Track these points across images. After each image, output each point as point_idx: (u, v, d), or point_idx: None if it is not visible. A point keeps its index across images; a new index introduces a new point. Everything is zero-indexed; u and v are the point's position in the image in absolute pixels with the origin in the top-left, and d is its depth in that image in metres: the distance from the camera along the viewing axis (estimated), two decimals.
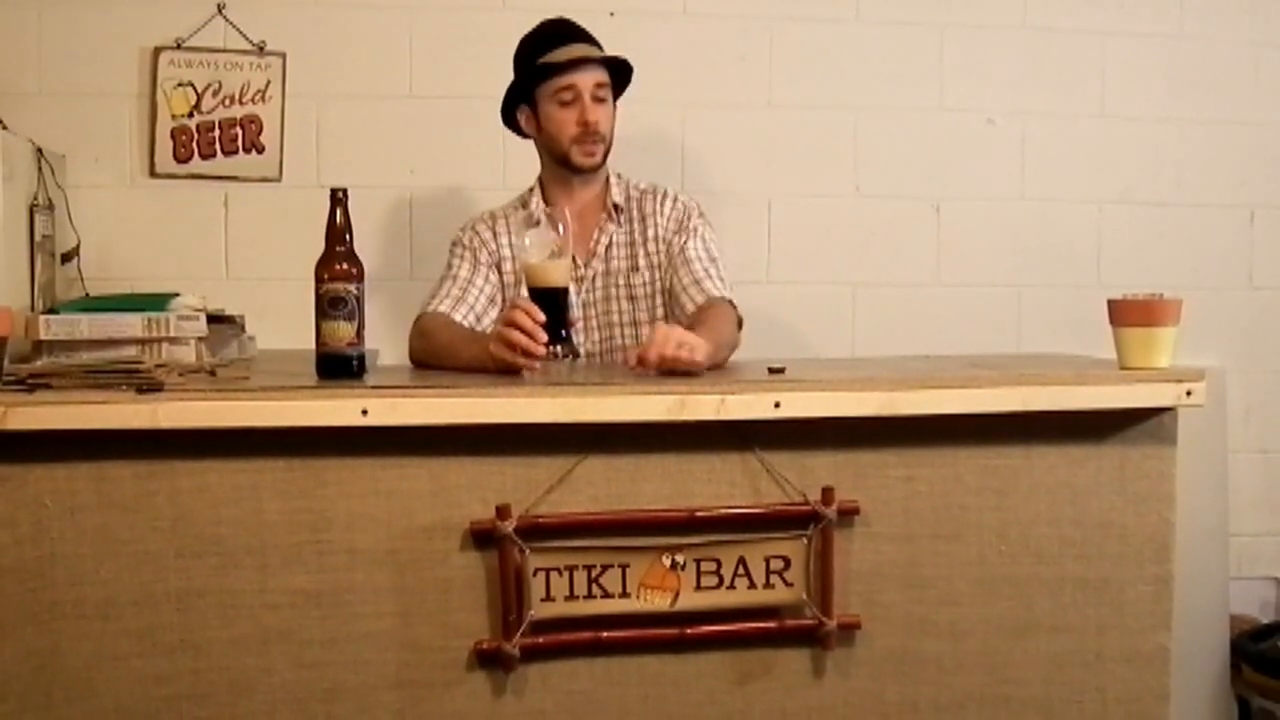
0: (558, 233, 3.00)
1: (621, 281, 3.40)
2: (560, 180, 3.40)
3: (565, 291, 3.05)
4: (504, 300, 3.37)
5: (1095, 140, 4.45)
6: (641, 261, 3.41)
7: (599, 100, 3.31)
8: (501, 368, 2.81)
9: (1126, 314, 2.87)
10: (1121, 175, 4.47)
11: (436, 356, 3.09)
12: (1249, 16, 4.50)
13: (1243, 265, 4.56)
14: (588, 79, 3.29)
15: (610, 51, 3.37)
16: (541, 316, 2.80)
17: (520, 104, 3.39)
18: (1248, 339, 4.55)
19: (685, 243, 3.37)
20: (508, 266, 3.37)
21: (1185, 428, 2.90)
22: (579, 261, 3.38)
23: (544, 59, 3.31)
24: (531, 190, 3.46)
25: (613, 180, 3.45)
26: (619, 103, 3.42)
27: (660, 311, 3.38)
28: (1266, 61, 4.52)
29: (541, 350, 2.79)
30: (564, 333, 2.99)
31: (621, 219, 3.42)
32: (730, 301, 3.27)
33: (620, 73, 3.41)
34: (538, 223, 3.01)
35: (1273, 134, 4.54)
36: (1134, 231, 4.47)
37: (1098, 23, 4.42)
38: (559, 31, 3.36)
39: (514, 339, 2.77)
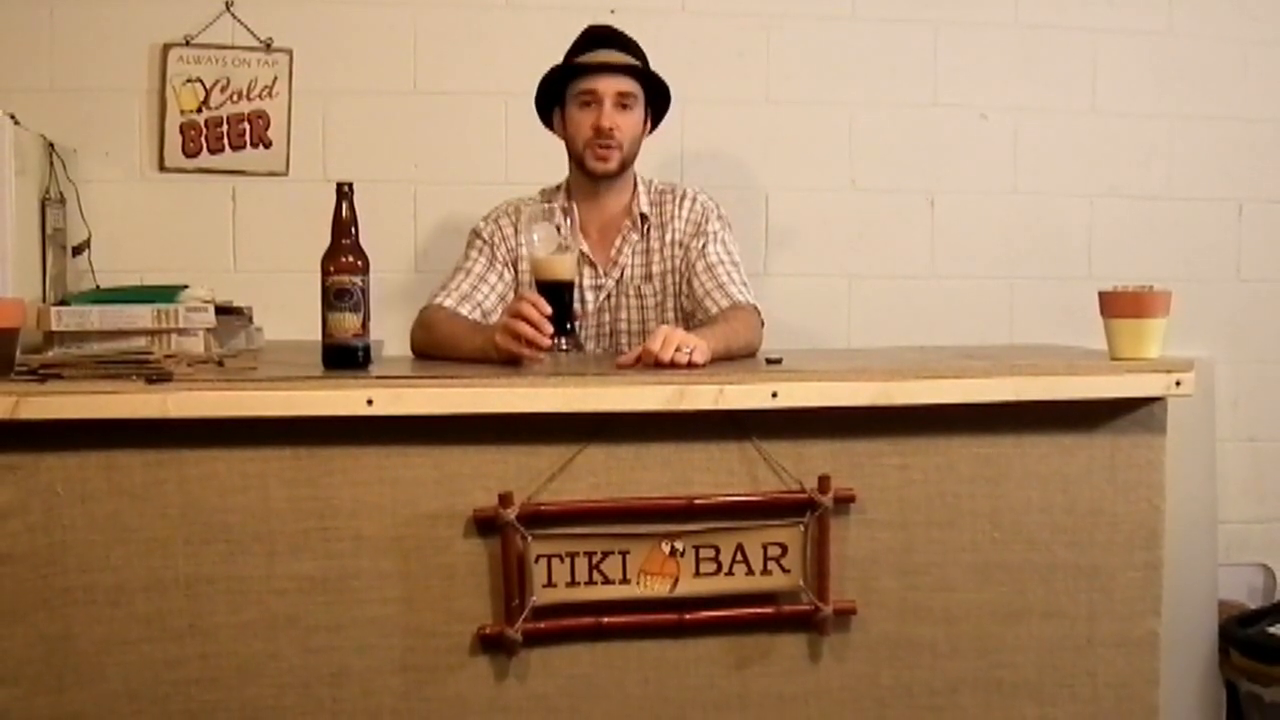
0: (564, 226, 3.02)
1: (633, 290, 3.40)
2: (584, 186, 3.39)
3: (571, 285, 3.07)
4: (515, 297, 3.33)
5: (1086, 135, 4.47)
6: (655, 269, 3.40)
7: (622, 107, 3.29)
8: (506, 359, 2.83)
9: (1117, 305, 2.90)
10: (1112, 169, 4.50)
11: (439, 348, 3.09)
12: (1237, 13, 4.52)
13: (1231, 258, 4.58)
14: (609, 85, 3.28)
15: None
16: (548, 309, 2.80)
17: (555, 105, 3.38)
18: (1236, 330, 4.57)
19: (705, 246, 3.35)
20: (525, 266, 3.33)
21: (1174, 417, 2.92)
22: (600, 270, 3.39)
23: (574, 61, 3.32)
24: (558, 188, 3.46)
25: (640, 188, 3.43)
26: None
27: (670, 316, 3.38)
28: (1255, 58, 4.54)
29: (547, 342, 2.79)
30: (569, 326, 3.01)
31: (646, 227, 3.41)
32: (755, 307, 3.28)
33: (660, 89, 3.40)
34: (555, 220, 3.03)
35: (1261, 129, 4.56)
36: (1124, 225, 4.50)
37: (1088, 20, 4.44)
38: (596, 36, 3.36)
39: (520, 330, 2.77)
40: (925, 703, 2.86)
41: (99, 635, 2.59)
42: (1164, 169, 4.53)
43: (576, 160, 3.36)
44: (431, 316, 3.21)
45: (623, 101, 3.30)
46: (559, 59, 3.38)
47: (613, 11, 3.88)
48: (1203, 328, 4.43)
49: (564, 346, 2.97)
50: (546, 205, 3.17)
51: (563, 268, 3.01)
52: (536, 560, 2.64)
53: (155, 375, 2.57)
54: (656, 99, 3.41)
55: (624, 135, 3.30)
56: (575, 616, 2.71)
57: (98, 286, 3.77)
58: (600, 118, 3.27)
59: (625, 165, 3.35)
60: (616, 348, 3.37)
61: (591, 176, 3.35)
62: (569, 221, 3.02)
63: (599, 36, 3.37)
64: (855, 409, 2.73)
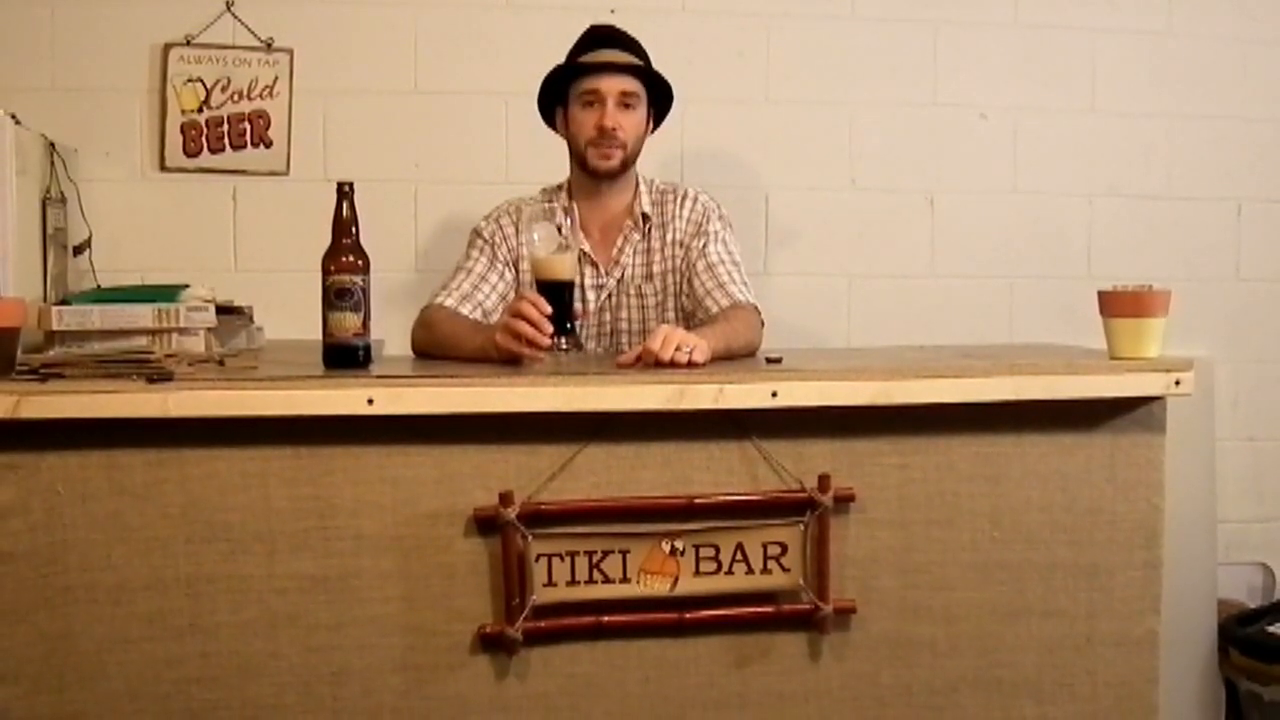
0: (565, 225, 3.03)
1: (633, 290, 3.40)
2: (586, 185, 3.39)
3: (571, 284, 3.07)
4: (517, 296, 3.37)
5: (1086, 135, 4.47)
6: (656, 268, 3.41)
7: (625, 107, 3.30)
8: (506, 358, 2.83)
9: (1116, 305, 2.90)
10: (1111, 169, 4.50)
11: (440, 347, 3.09)
12: (1236, 13, 4.53)
13: (1230, 257, 4.58)
14: (612, 84, 3.28)
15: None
16: (548, 308, 2.81)
17: (558, 104, 3.38)
18: (1235, 329, 4.58)
19: (705, 246, 3.36)
20: (525, 265, 3.33)
21: (1174, 416, 2.93)
22: (602, 269, 3.40)
23: (577, 60, 3.33)
24: (560, 187, 3.46)
25: (642, 188, 3.44)
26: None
27: (670, 316, 3.39)
28: (1253, 57, 4.54)
29: (547, 342, 2.80)
30: (569, 325, 3.01)
31: (647, 227, 3.41)
32: (755, 306, 3.28)
33: (662, 89, 3.40)
34: (555, 220, 3.03)
35: (1260, 129, 4.57)
36: (1124, 224, 4.50)
37: (1088, 20, 4.44)
38: (599, 36, 3.37)
39: (520, 329, 2.78)
40: (925, 701, 2.87)
41: (100, 634, 2.60)
42: (1163, 168, 4.53)
43: (578, 159, 3.36)
44: (432, 316, 3.21)
45: (625, 101, 3.30)
46: (560, 59, 3.38)
47: (613, 11, 3.89)
48: (1202, 327, 4.43)
49: (564, 346, 2.97)
50: (547, 205, 3.17)
51: (563, 267, 3.02)
52: (537, 559, 2.65)
53: (156, 375, 2.57)
54: (659, 99, 3.42)
55: (627, 135, 3.31)
56: (575, 615, 2.71)
57: (99, 286, 3.77)
58: (603, 117, 3.28)
59: (627, 165, 3.36)
60: (617, 347, 3.37)
61: (593, 176, 3.35)
62: (569, 221, 3.02)
63: (602, 36, 3.38)
64: (855, 408, 2.74)
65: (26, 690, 2.58)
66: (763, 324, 3.26)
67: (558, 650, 2.74)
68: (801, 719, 2.83)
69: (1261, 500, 4.61)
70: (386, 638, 2.68)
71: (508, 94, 4.05)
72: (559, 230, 3.04)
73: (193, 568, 2.62)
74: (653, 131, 3.45)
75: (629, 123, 3.31)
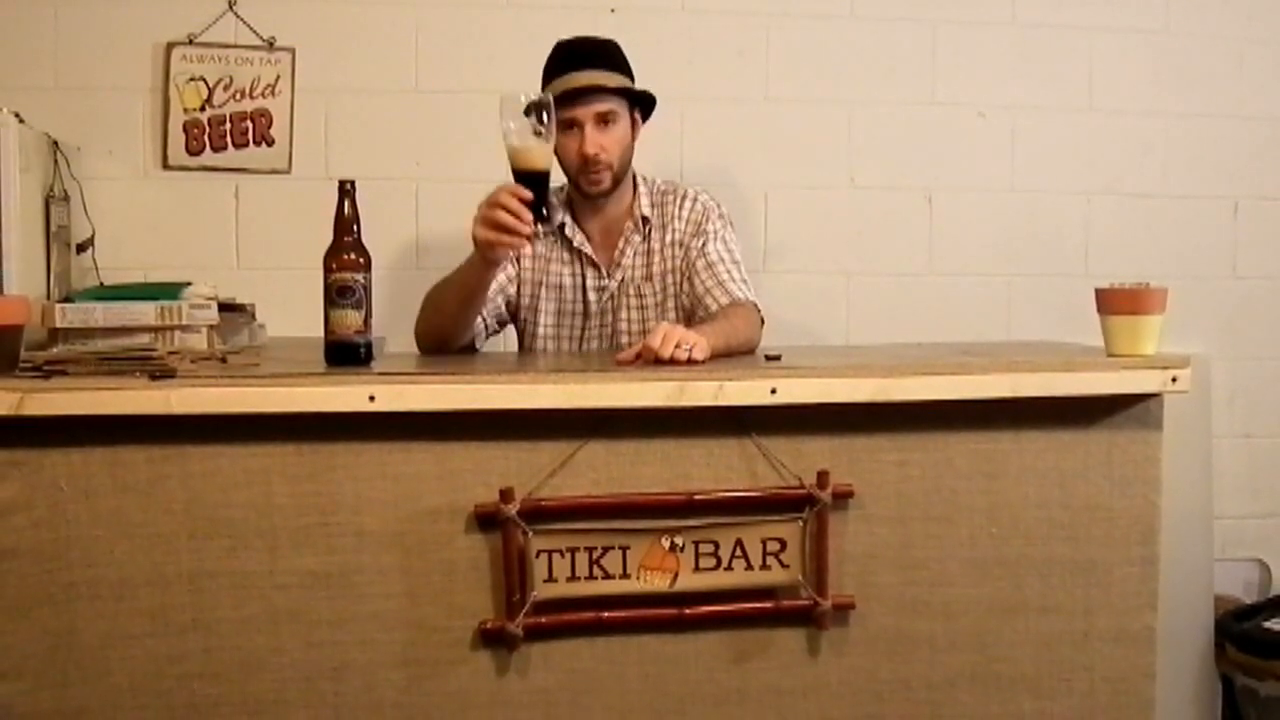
0: (544, 120, 2.93)
1: (633, 290, 3.41)
2: (582, 199, 3.38)
3: (546, 174, 2.93)
4: (516, 292, 3.40)
5: (1083, 133, 4.48)
6: (655, 269, 3.41)
7: (604, 125, 3.27)
8: (486, 252, 2.84)
9: (1114, 302, 2.90)
10: (1109, 167, 4.51)
11: (436, 308, 3.14)
12: (1233, 12, 4.53)
13: (1227, 255, 4.59)
14: (587, 110, 3.24)
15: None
16: (528, 195, 2.79)
17: None
18: (1232, 327, 4.59)
19: (705, 245, 3.36)
20: (527, 263, 3.38)
21: (1171, 413, 2.92)
22: (603, 271, 3.40)
23: (549, 86, 3.27)
24: (562, 188, 3.43)
25: (641, 190, 3.43)
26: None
27: (670, 316, 3.39)
28: (1250, 56, 4.55)
29: (528, 229, 2.79)
30: (543, 212, 2.90)
31: (647, 229, 3.41)
32: (754, 304, 3.28)
33: (639, 96, 3.36)
34: (530, 110, 2.87)
35: (1257, 127, 4.58)
36: (1121, 222, 4.51)
37: (1085, 19, 4.45)
38: (568, 55, 3.31)
39: (500, 219, 2.78)
40: (923, 697, 2.87)
41: (103, 630, 2.60)
42: (1160, 166, 4.54)
43: (571, 181, 3.36)
44: (427, 294, 3.22)
45: (603, 119, 3.27)
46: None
47: (613, 11, 3.90)
48: (1199, 324, 4.45)
49: (540, 233, 2.94)
50: (524, 97, 3.06)
51: (538, 156, 2.89)
52: (537, 555, 2.66)
53: (159, 372, 2.58)
54: (641, 97, 3.38)
55: (610, 155, 3.28)
56: (576, 611, 2.72)
57: (101, 284, 3.78)
58: (584, 144, 3.25)
59: (618, 179, 3.34)
60: (617, 347, 3.37)
61: (586, 197, 3.35)
62: (547, 115, 2.90)
63: (572, 55, 3.32)
64: (854, 405, 2.74)
65: (30, 686, 2.58)
66: (762, 321, 3.27)
67: (558, 646, 2.74)
68: (800, 714, 2.84)
69: (1258, 496, 4.62)
70: (388, 633, 2.69)
71: None
72: (539, 120, 2.94)
73: (195, 564, 2.62)
74: (644, 122, 3.44)
75: (610, 141, 3.28)
